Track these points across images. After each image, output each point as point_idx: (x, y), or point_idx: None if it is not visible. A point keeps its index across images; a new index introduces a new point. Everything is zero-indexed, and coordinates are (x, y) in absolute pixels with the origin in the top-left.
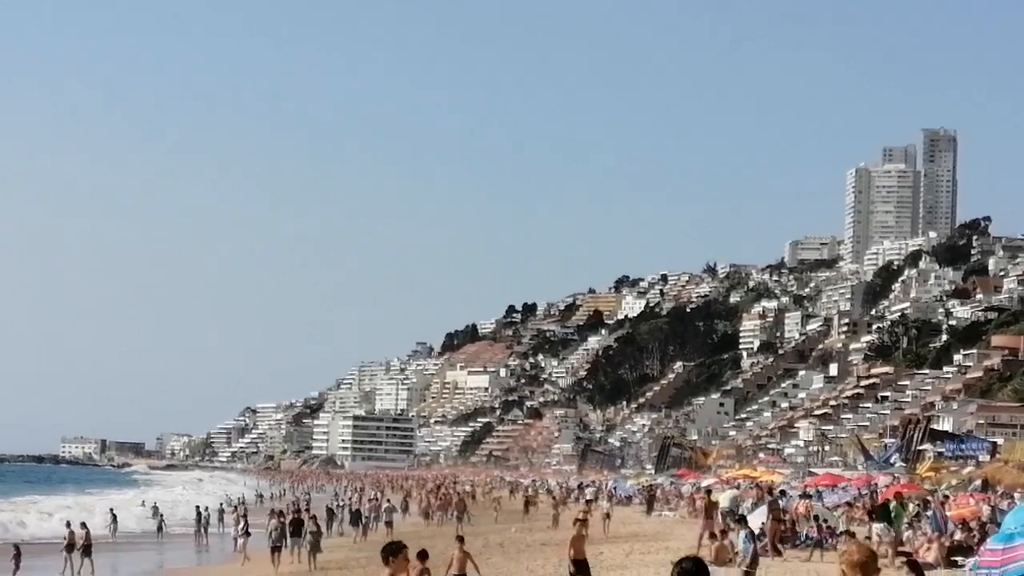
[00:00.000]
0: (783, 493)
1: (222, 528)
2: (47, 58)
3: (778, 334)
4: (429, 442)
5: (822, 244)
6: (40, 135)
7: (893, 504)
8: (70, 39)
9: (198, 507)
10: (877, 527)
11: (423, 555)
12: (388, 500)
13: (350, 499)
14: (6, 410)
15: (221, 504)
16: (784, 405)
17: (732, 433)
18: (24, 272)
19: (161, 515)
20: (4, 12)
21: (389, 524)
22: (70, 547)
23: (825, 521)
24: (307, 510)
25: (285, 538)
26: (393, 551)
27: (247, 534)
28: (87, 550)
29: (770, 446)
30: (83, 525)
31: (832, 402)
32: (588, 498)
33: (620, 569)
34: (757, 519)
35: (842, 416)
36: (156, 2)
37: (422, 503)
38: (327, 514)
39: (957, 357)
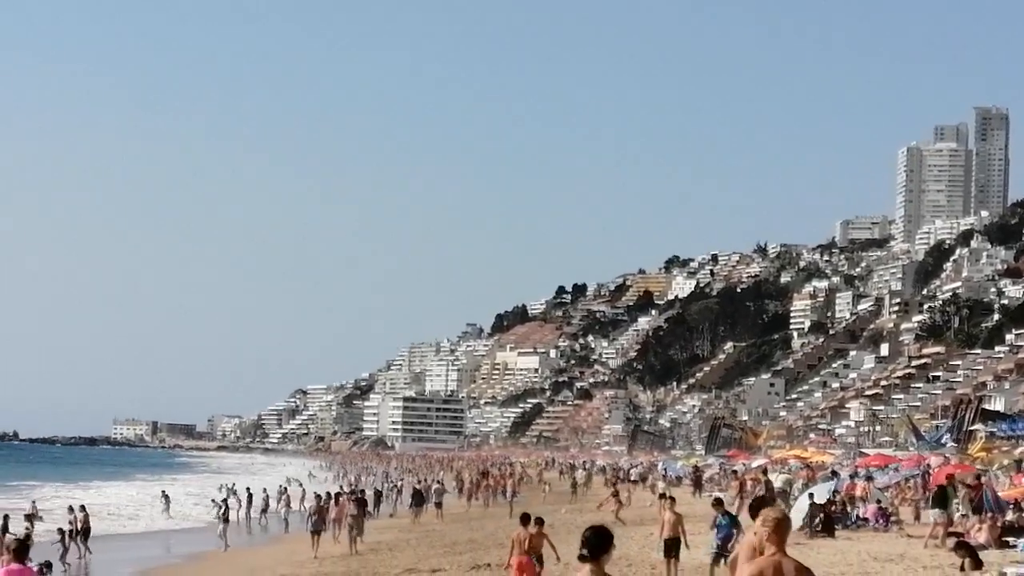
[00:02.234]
0: (835, 474)
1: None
2: (59, 50)
3: (829, 314)
4: (479, 423)
5: (873, 223)
6: (84, 125)
7: (948, 488)
8: (78, 30)
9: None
10: (933, 512)
11: (540, 522)
12: (438, 481)
13: (401, 481)
14: (59, 392)
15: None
16: (835, 385)
17: (783, 414)
18: (79, 255)
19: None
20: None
21: (439, 505)
22: (70, 533)
23: (879, 502)
24: (351, 492)
25: (324, 523)
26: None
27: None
28: (85, 534)
29: (821, 427)
30: (82, 508)
31: (883, 382)
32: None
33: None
34: (815, 497)
35: (893, 396)
36: None
37: (466, 485)
38: (374, 496)
39: (1009, 336)
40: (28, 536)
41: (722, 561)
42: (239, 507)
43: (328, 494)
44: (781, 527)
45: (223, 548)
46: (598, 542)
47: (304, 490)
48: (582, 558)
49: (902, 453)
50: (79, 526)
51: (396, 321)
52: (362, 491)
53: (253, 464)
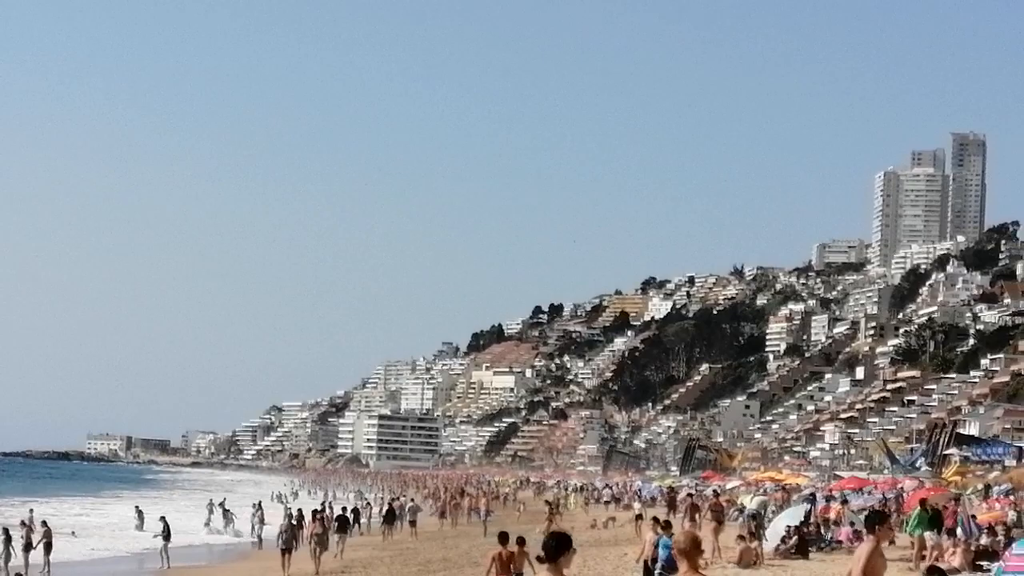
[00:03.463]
0: (812, 497)
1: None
2: (66, 60)
3: (804, 337)
4: (454, 442)
5: (850, 247)
6: (62, 138)
7: (917, 512)
8: (77, 40)
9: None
10: (928, 534)
11: (521, 541)
12: (412, 499)
13: (381, 498)
14: (33, 406)
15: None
16: (810, 408)
17: (757, 436)
18: (52, 271)
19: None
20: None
21: (413, 523)
22: (27, 546)
23: (852, 524)
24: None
25: (296, 540)
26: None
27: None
28: (47, 548)
29: (795, 449)
30: (44, 523)
31: (858, 405)
32: (637, 512)
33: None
34: (787, 521)
35: (868, 420)
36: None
37: (439, 503)
38: (352, 514)
39: (984, 361)
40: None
41: None
42: (229, 523)
43: (300, 512)
44: (692, 549)
45: (165, 566)
46: (556, 545)
47: (288, 508)
48: (540, 559)
49: (876, 476)
50: (34, 540)
51: (372, 339)
52: (343, 508)
53: (231, 481)
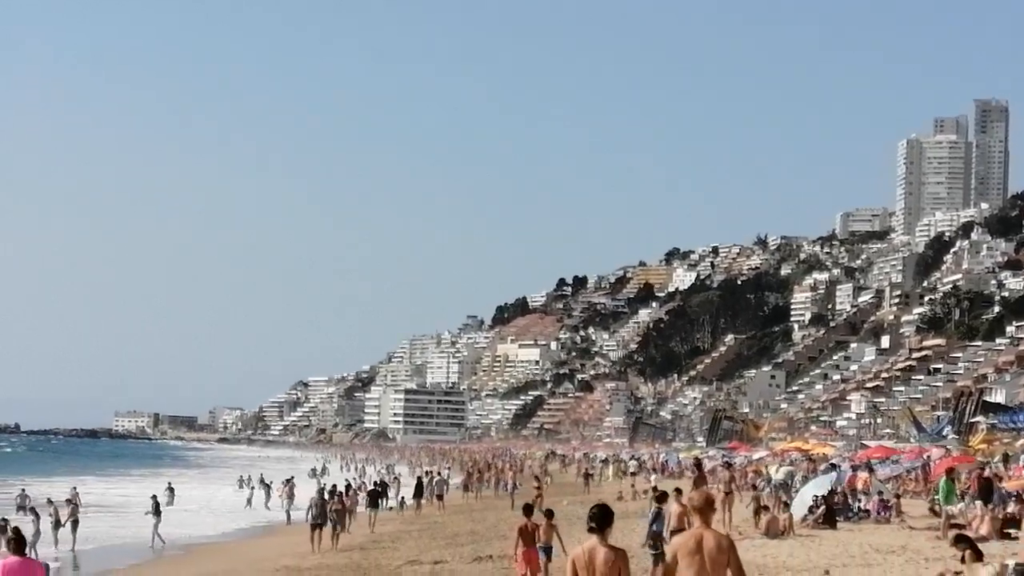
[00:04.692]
0: (835, 467)
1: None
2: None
3: (829, 306)
4: (480, 415)
5: (873, 216)
6: (91, 122)
7: (944, 481)
8: (88, 33)
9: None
10: (978, 504)
11: (549, 514)
12: (438, 473)
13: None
14: (61, 385)
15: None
16: (836, 378)
17: (784, 406)
18: (82, 249)
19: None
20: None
21: (440, 497)
22: (56, 523)
23: (880, 493)
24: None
25: (326, 515)
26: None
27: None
28: (74, 525)
29: (822, 419)
30: (68, 501)
31: (884, 374)
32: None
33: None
34: (813, 491)
35: (894, 388)
36: None
37: (464, 477)
38: (381, 487)
39: (1010, 329)
40: (16, 529)
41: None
42: (270, 499)
43: (334, 487)
44: (706, 507)
45: (159, 544)
46: (603, 515)
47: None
48: (591, 530)
49: (903, 445)
50: (64, 518)
51: (397, 313)
52: (374, 483)
53: (260, 457)
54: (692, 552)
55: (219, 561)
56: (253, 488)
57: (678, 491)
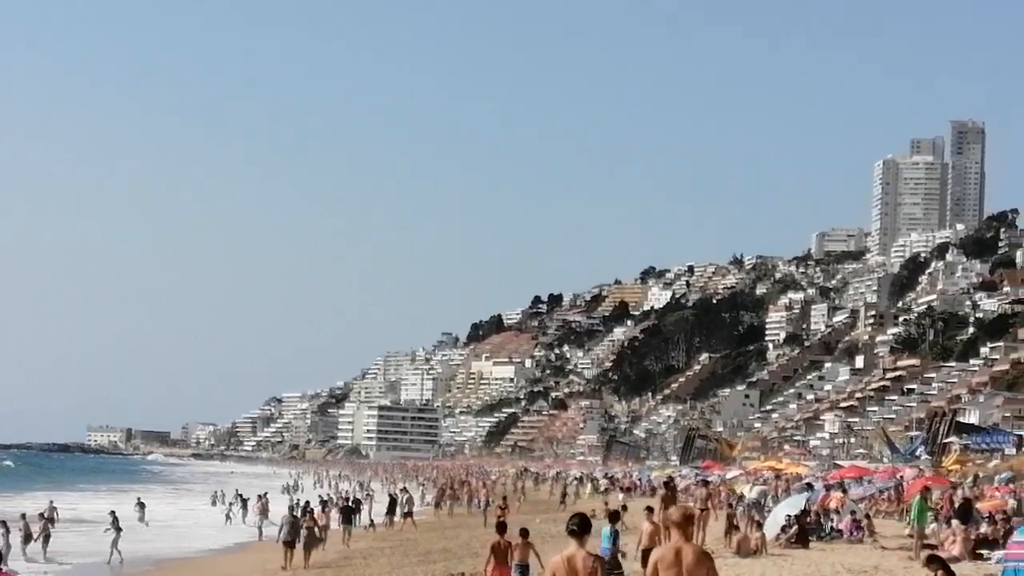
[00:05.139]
0: (809, 486)
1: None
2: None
3: (804, 326)
4: (454, 432)
5: (849, 236)
6: (64, 129)
7: (918, 501)
8: (86, 37)
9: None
10: (955, 523)
11: (524, 533)
12: (405, 489)
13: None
14: (33, 398)
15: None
16: (810, 397)
17: (757, 425)
18: (52, 262)
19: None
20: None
21: (408, 514)
22: (27, 538)
23: (853, 513)
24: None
25: (298, 533)
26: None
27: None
28: (45, 540)
29: (795, 438)
30: (40, 516)
31: (858, 394)
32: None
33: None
34: (786, 510)
35: (868, 408)
36: None
37: (436, 493)
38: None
39: (984, 350)
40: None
41: None
42: (243, 513)
43: (307, 503)
44: (684, 522)
45: (117, 559)
46: (583, 523)
47: (294, 500)
48: (572, 533)
49: (876, 465)
50: (36, 533)
51: (371, 330)
52: (347, 499)
53: (232, 473)
54: (671, 565)
55: None
56: (231, 504)
57: (649, 509)
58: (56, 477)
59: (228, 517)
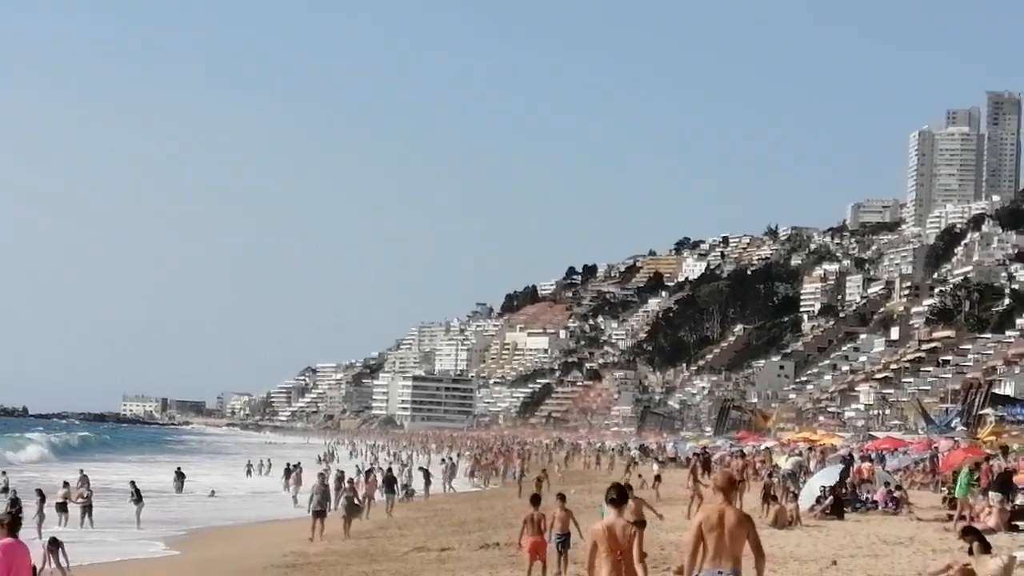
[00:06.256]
0: (849, 457)
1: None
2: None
3: (839, 297)
4: (488, 403)
5: (884, 207)
6: (97, 104)
7: (966, 472)
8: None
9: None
10: (992, 495)
11: (561, 497)
12: (443, 460)
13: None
14: (69, 368)
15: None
16: (844, 368)
17: (792, 396)
18: (90, 233)
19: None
20: None
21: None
22: (59, 506)
23: (887, 484)
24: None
25: (328, 502)
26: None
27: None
28: (87, 510)
29: (830, 410)
30: (65, 484)
31: (893, 366)
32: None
33: (679, 531)
34: (821, 481)
35: (903, 380)
36: None
37: (470, 464)
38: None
39: (1019, 321)
40: (20, 509)
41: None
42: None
43: (341, 473)
44: (728, 485)
45: (89, 526)
46: (621, 491)
47: (326, 469)
48: (611, 501)
49: (911, 436)
50: (77, 500)
51: (406, 300)
52: (388, 468)
53: (270, 443)
54: (715, 526)
55: (227, 546)
56: (272, 471)
57: (561, 496)
58: (118, 448)
59: (286, 488)
